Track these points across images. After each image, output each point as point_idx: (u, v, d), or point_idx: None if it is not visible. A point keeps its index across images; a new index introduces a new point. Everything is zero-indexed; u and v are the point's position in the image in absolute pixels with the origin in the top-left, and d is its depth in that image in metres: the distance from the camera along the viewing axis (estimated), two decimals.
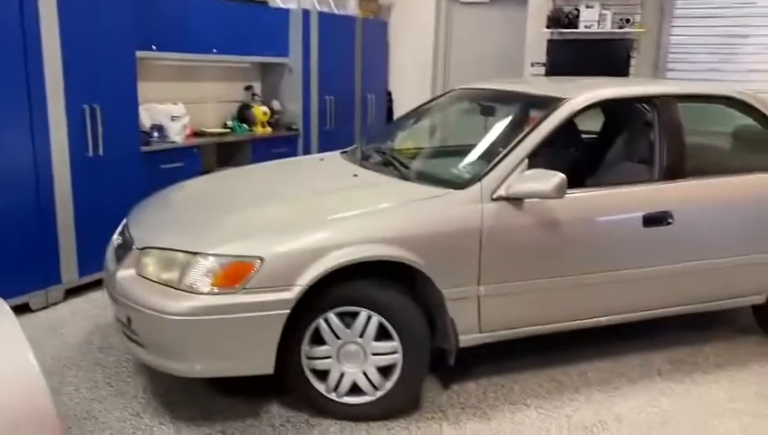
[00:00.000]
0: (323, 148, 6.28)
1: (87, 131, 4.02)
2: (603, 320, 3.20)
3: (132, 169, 4.38)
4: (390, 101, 7.81)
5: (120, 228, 3.21)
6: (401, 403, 2.83)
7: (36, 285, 3.88)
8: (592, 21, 6.66)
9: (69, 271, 4.05)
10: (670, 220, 3.14)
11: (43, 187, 3.81)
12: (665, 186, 3.19)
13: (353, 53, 6.80)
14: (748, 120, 3.58)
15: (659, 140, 3.26)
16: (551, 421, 2.85)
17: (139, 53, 4.43)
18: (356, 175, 3.29)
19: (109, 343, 3.49)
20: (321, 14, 6.33)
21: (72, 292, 4.13)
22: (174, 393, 3.01)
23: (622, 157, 3.54)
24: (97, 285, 4.22)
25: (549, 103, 3.18)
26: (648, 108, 3.50)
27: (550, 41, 6.91)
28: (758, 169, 3.46)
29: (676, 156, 3.24)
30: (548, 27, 6.85)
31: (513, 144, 2.99)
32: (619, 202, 3.10)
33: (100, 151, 4.12)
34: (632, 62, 6.63)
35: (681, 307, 3.35)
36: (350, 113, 6.86)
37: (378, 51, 7.28)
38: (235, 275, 2.53)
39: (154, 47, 4.76)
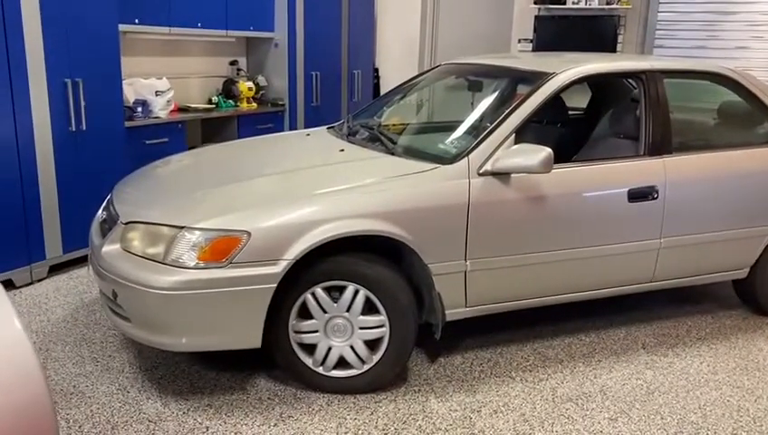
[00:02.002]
0: (310, 124, 6.24)
1: (69, 106, 3.96)
2: (588, 294, 3.23)
3: (116, 145, 4.33)
4: (377, 77, 7.77)
5: (104, 203, 3.18)
6: (388, 376, 2.84)
7: (20, 262, 3.85)
8: None
9: (53, 247, 4.01)
10: (655, 195, 3.16)
11: (26, 162, 3.76)
12: (650, 161, 3.20)
13: (340, 28, 6.73)
14: (734, 96, 3.60)
15: (645, 115, 3.27)
16: (536, 394, 2.89)
17: (122, 27, 4.36)
18: (342, 150, 3.27)
19: (94, 319, 3.48)
20: None
21: (57, 268, 4.10)
22: (161, 368, 3.01)
23: (609, 132, 3.55)
24: (81, 261, 4.20)
25: (536, 78, 3.17)
26: (634, 84, 3.50)
27: (537, 17, 6.89)
28: (743, 144, 3.48)
29: (662, 131, 3.25)
30: (535, 3, 6.82)
31: (499, 119, 2.99)
32: (604, 177, 3.11)
33: (83, 126, 4.07)
34: (619, 38, 6.63)
35: (665, 282, 3.38)
36: (336, 89, 6.82)
37: (364, 26, 7.21)
38: (221, 249, 2.52)
39: (137, 20, 4.69)
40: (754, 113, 3.58)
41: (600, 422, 2.69)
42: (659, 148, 3.23)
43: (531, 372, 3.07)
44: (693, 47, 6.49)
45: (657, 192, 3.16)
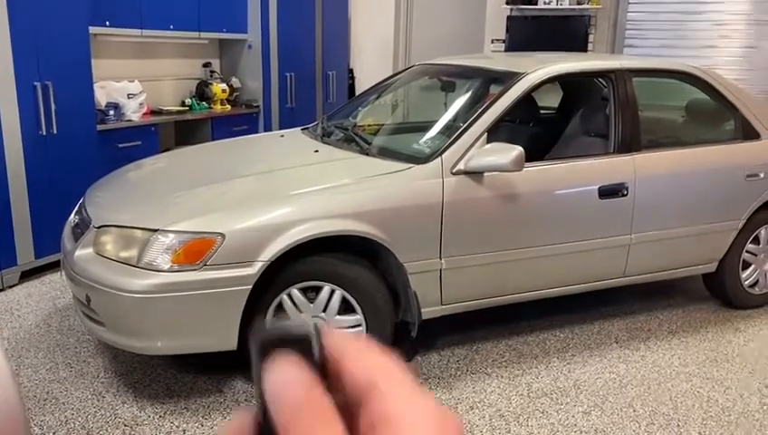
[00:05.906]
0: (285, 125, 6.22)
1: (40, 110, 3.91)
2: (561, 290, 3.28)
3: (88, 148, 4.28)
4: (352, 78, 7.77)
5: (77, 207, 3.15)
6: None
7: None
8: None
9: (24, 253, 3.96)
10: (625, 192, 3.21)
11: None
12: (620, 159, 3.26)
13: (314, 28, 6.73)
14: (701, 94, 3.67)
15: (615, 114, 3.32)
16: (511, 389, 2.92)
17: (92, 29, 4.31)
18: (317, 151, 3.28)
19: (68, 325, 3.44)
20: None
21: (29, 274, 4.04)
22: (136, 372, 2.99)
23: (579, 131, 3.60)
24: (54, 266, 4.15)
25: (507, 78, 3.21)
26: (604, 83, 3.56)
27: (509, 17, 6.94)
28: (710, 141, 3.55)
29: (632, 129, 3.30)
30: (507, 4, 6.88)
31: (472, 118, 3.02)
32: (575, 175, 3.16)
33: (54, 130, 4.01)
34: (590, 38, 6.72)
35: (637, 277, 3.44)
36: (311, 90, 6.80)
37: (339, 27, 7.21)
38: (195, 251, 2.51)
39: (108, 23, 4.64)
40: (721, 111, 3.65)
41: (574, 416, 2.73)
42: (629, 145, 3.29)
43: (506, 368, 3.11)
44: (661, 46, 6.59)
45: (626, 189, 3.22)
